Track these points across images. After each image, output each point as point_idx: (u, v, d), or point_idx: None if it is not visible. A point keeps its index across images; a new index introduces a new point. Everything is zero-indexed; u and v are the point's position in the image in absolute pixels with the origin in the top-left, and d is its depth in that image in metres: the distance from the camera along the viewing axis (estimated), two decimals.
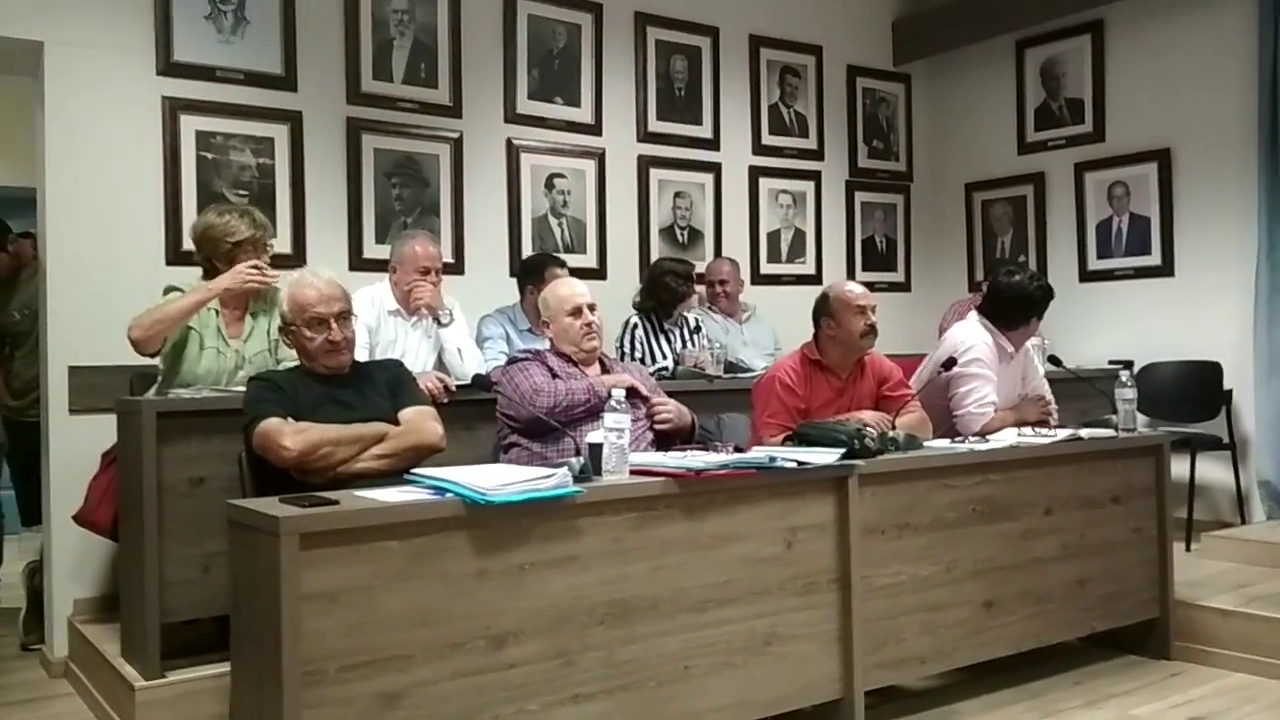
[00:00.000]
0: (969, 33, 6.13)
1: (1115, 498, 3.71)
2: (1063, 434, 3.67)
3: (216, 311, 3.50)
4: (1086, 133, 5.86)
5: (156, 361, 3.50)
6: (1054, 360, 4.31)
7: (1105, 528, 3.67)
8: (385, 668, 2.30)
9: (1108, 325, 5.66)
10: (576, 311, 3.46)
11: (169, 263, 4.12)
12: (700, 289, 5.21)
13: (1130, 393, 3.80)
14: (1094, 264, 5.84)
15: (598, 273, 5.24)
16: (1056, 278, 5.89)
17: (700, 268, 5.35)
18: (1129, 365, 4.99)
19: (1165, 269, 5.52)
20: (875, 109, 6.44)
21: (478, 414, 3.60)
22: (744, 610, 2.83)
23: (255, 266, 3.44)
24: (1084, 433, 3.75)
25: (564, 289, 3.54)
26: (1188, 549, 4.62)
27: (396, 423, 3.00)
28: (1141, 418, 4.42)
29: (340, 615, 2.24)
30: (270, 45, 4.41)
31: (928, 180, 6.66)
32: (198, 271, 3.64)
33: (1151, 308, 5.53)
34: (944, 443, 3.52)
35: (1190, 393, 5.17)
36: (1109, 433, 3.81)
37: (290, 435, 2.80)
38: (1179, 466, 4.32)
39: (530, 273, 4.54)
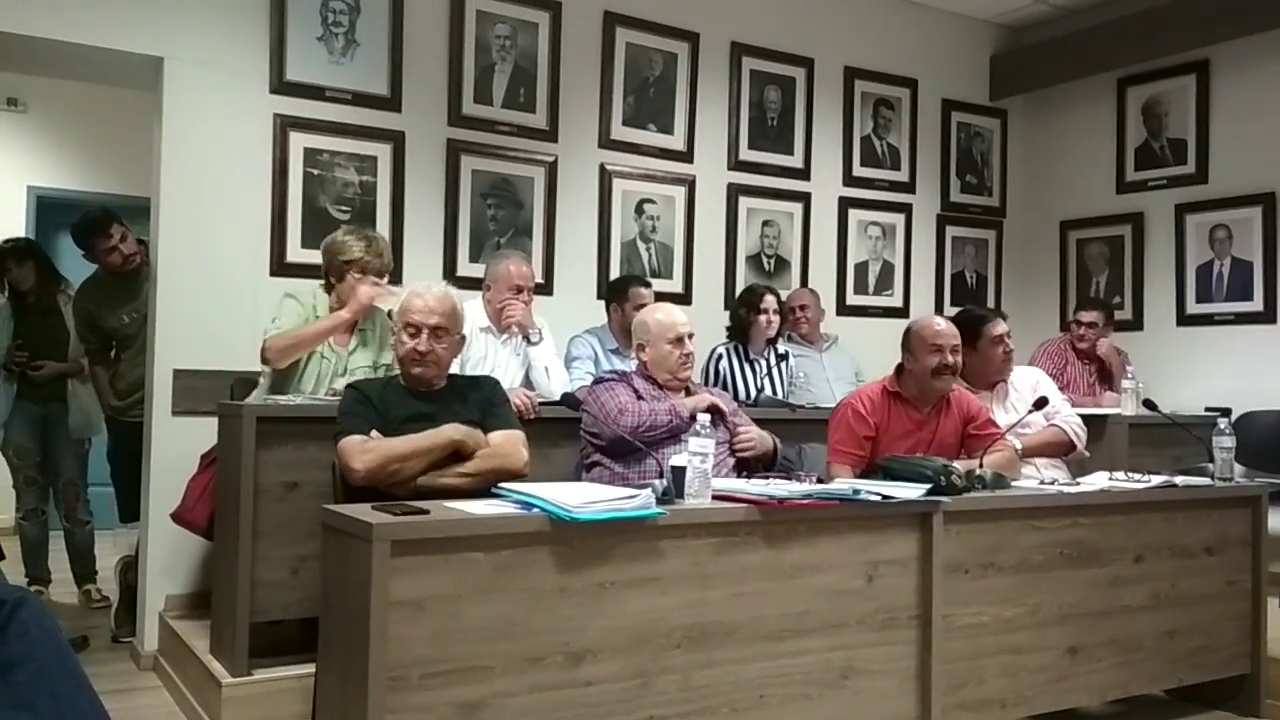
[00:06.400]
0: (1069, 70, 6.05)
1: (1209, 548, 3.60)
2: (1156, 480, 3.58)
3: None
4: (1189, 174, 5.73)
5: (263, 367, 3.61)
6: (1149, 405, 4.21)
7: (1197, 579, 3.56)
8: (466, 678, 2.33)
9: (1206, 371, 5.52)
10: (678, 341, 3.50)
11: (273, 274, 4.27)
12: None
13: (1228, 440, 3.70)
14: (1193, 308, 5.70)
15: (683, 298, 5.25)
16: (1153, 320, 5.85)
17: (784, 296, 5.34)
18: (1227, 412, 4.82)
19: (1267, 315, 5.37)
20: (970, 143, 6.39)
21: (561, 433, 3.65)
22: (822, 642, 2.81)
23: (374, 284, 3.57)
24: (1179, 480, 3.65)
25: (665, 316, 3.56)
26: None
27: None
28: (1239, 467, 4.28)
29: (426, 623, 2.28)
30: (378, 67, 4.54)
31: (1021, 217, 6.56)
32: (311, 283, 3.76)
33: (1252, 354, 5.37)
34: (1033, 483, 3.46)
35: None
36: (1205, 481, 3.71)
37: (358, 455, 2.81)
38: (1276, 519, 4.17)
39: (616, 292, 4.64)
